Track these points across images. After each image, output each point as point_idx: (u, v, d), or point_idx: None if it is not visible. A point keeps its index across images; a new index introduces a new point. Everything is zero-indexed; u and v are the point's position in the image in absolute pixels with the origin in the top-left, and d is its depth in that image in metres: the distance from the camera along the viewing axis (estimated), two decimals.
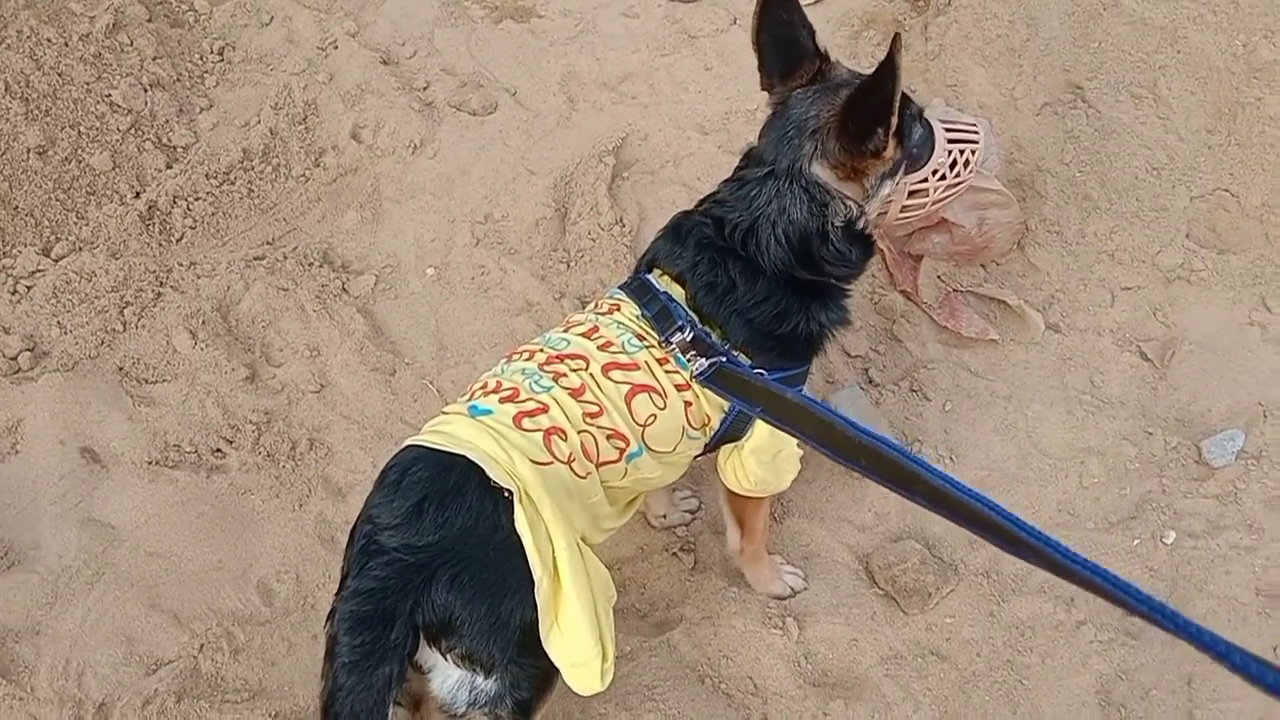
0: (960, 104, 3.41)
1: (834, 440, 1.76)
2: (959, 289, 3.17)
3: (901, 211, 2.38)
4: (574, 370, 2.06)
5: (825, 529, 2.79)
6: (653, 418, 2.09)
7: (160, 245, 3.23)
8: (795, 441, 2.26)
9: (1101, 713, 2.49)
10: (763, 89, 2.32)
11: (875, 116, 2.06)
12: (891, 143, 2.12)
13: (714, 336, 2.15)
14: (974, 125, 2.50)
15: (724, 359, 2.08)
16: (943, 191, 2.38)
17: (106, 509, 2.67)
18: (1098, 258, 3.24)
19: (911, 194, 2.34)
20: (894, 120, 2.05)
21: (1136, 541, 2.76)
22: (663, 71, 3.75)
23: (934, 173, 2.33)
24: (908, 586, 2.63)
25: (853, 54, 3.63)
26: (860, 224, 2.23)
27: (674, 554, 2.76)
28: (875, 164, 2.18)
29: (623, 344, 2.12)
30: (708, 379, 2.07)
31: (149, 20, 3.61)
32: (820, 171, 2.17)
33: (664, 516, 2.79)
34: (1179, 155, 3.27)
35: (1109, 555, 2.73)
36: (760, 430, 2.20)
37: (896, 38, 1.92)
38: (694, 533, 2.81)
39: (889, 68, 1.95)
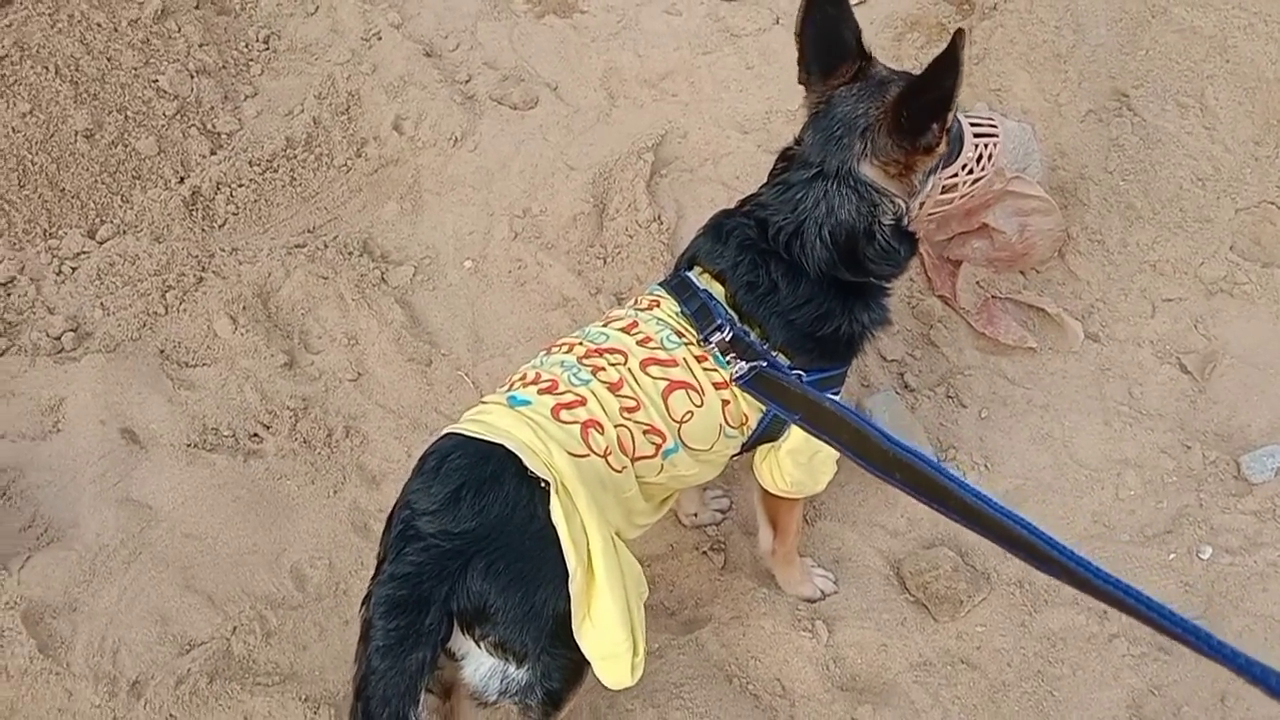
0: (1004, 109, 3.38)
1: (869, 452, 1.76)
2: (998, 295, 3.15)
3: (935, 207, 2.37)
4: (612, 365, 2.06)
5: (857, 533, 2.78)
6: (690, 415, 2.09)
7: (203, 230, 3.26)
8: None
9: None
10: (799, 83, 2.30)
11: (932, 112, 2.05)
12: (944, 138, 2.12)
13: (753, 336, 2.14)
14: (992, 119, 2.50)
15: (765, 363, 2.07)
16: (969, 186, 2.37)
17: (144, 489, 2.70)
18: (1139, 268, 3.21)
19: (944, 190, 2.34)
20: (951, 116, 2.05)
21: (1172, 556, 2.73)
22: (704, 69, 3.74)
23: (964, 167, 2.32)
24: (939, 594, 2.62)
25: (896, 56, 3.61)
26: (906, 220, 2.23)
27: (704, 553, 2.76)
28: (925, 160, 2.17)
29: (661, 340, 2.12)
30: (747, 383, 2.07)
31: (196, 7, 3.65)
32: (870, 171, 2.16)
33: (695, 515, 2.79)
34: (1225, 166, 3.23)
35: (1144, 569, 2.71)
36: (797, 431, 2.19)
37: (960, 33, 1.90)
38: (724, 532, 2.81)
39: (951, 63, 1.93)
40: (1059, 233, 3.15)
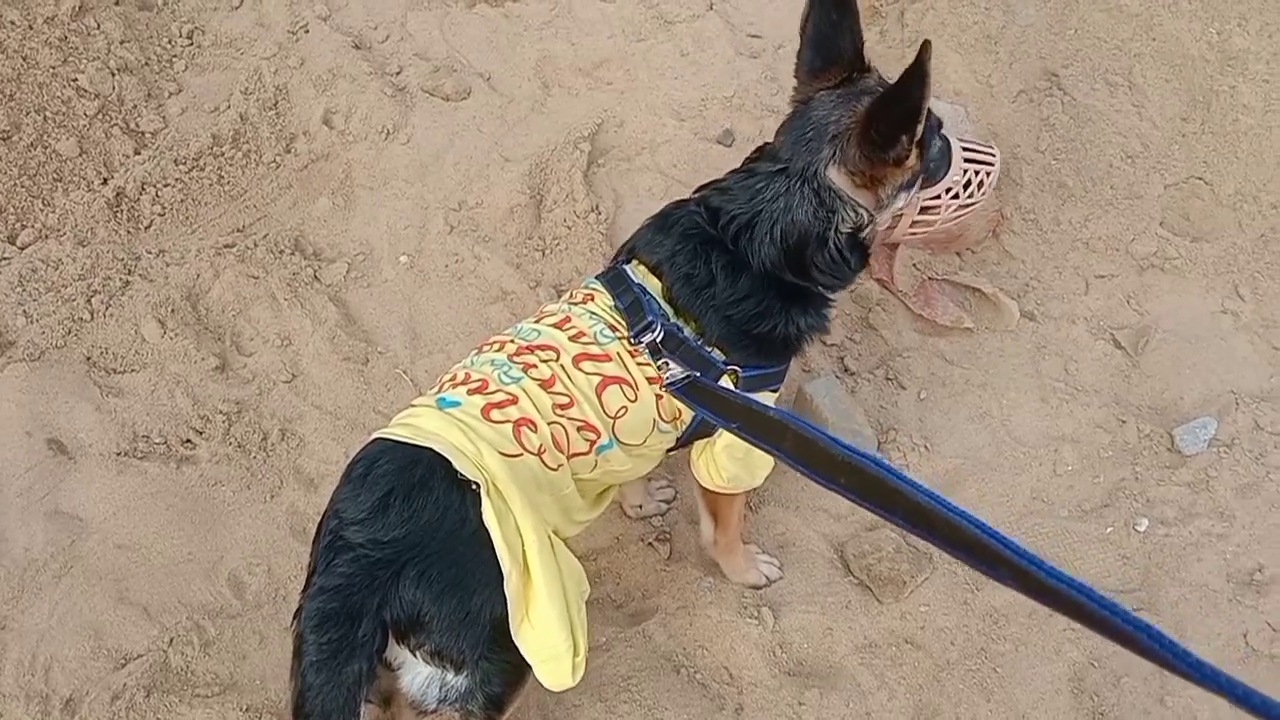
0: (937, 91, 3.39)
1: (814, 458, 1.68)
2: (934, 277, 3.17)
3: (911, 227, 2.36)
4: (544, 361, 2.04)
5: (800, 518, 2.79)
6: (624, 410, 2.07)
7: (128, 233, 3.18)
8: None
9: (1074, 700, 2.50)
10: (795, 75, 2.28)
11: (900, 124, 2.03)
12: (914, 152, 2.11)
13: (688, 331, 2.13)
14: (991, 149, 2.48)
15: (699, 374, 2.06)
16: (955, 211, 2.37)
17: (74, 501, 2.64)
18: (1072, 245, 3.24)
19: (923, 210, 2.33)
20: (919, 129, 2.02)
21: (1110, 529, 2.77)
22: (638, 57, 3.72)
23: (947, 190, 2.32)
24: (882, 575, 2.64)
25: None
26: (866, 233, 2.21)
27: (649, 544, 2.75)
28: (894, 173, 2.15)
29: (595, 335, 2.10)
30: (680, 390, 2.05)
31: (116, 3, 3.55)
32: (836, 177, 2.14)
33: (639, 506, 2.78)
34: (1153, 143, 3.27)
35: (1082, 543, 2.75)
36: None
37: (926, 45, 1.89)
38: (669, 522, 2.80)
39: (918, 75, 1.91)
40: (993, 213, 3.18)
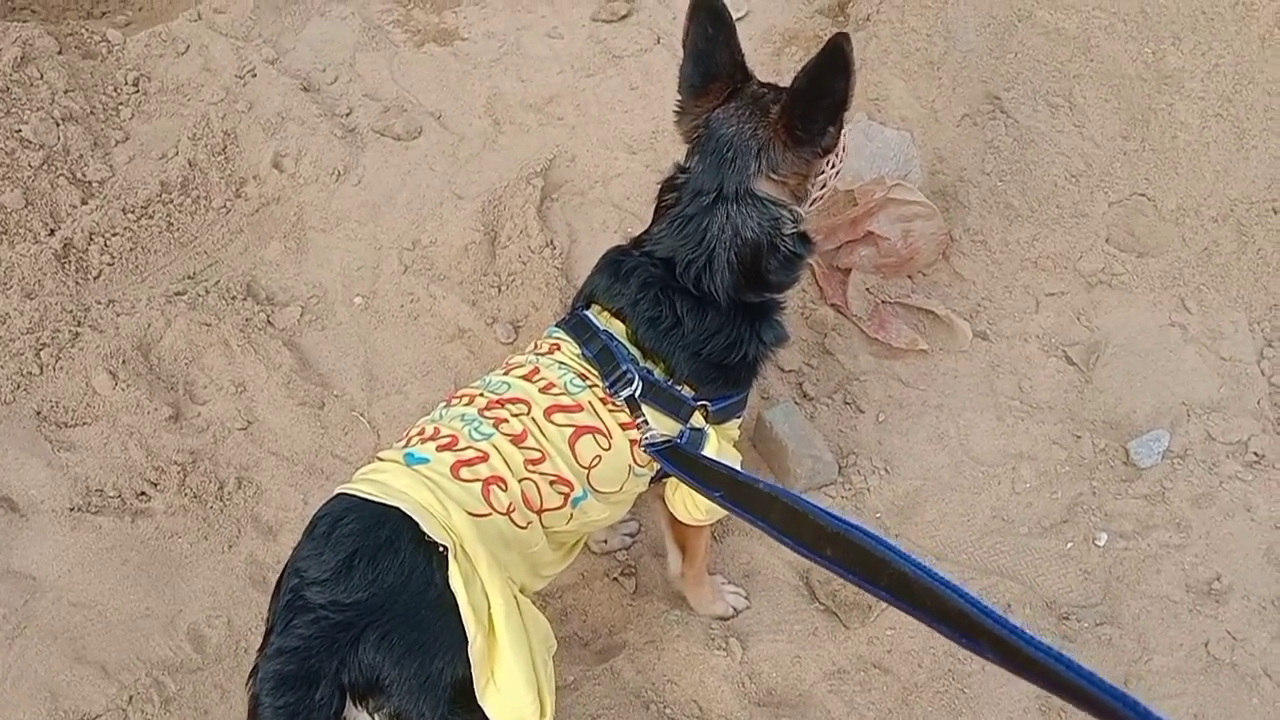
0: (882, 117, 3.45)
1: (801, 530, 1.60)
2: (888, 300, 3.20)
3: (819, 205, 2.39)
4: (515, 415, 2.02)
5: (765, 546, 2.79)
6: (598, 459, 2.06)
7: (77, 284, 3.13)
8: (740, 466, 2.26)
9: (1043, 717, 2.51)
10: (678, 91, 2.28)
11: (827, 116, 2.08)
12: (842, 139, 2.15)
13: (656, 373, 2.14)
14: None
15: (679, 439, 2.08)
16: (835, 179, 2.37)
17: (26, 559, 2.59)
18: (1021, 265, 3.29)
19: (821, 185, 2.36)
20: (845, 116, 2.07)
21: (1070, 545, 2.80)
22: (588, 92, 3.74)
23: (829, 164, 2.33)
24: (848, 600, 2.64)
25: (776, 70, 3.66)
26: (804, 224, 2.25)
27: (615, 579, 2.74)
28: (819, 164, 2.20)
29: (565, 385, 2.08)
30: (660, 454, 2.05)
31: (59, 52, 3.52)
32: (767, 187, 2.17)
33: (604, 541, 2.77)
34: (1096, 162, 3.34)
35: (1043, 560, 2.77)
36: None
37: (846, 36, 1.93)
38: (634, 556, 2.79)
39: (838, 65, 1.96)
40: (942, 235, 3.22)
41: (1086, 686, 1.21)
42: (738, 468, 2.24)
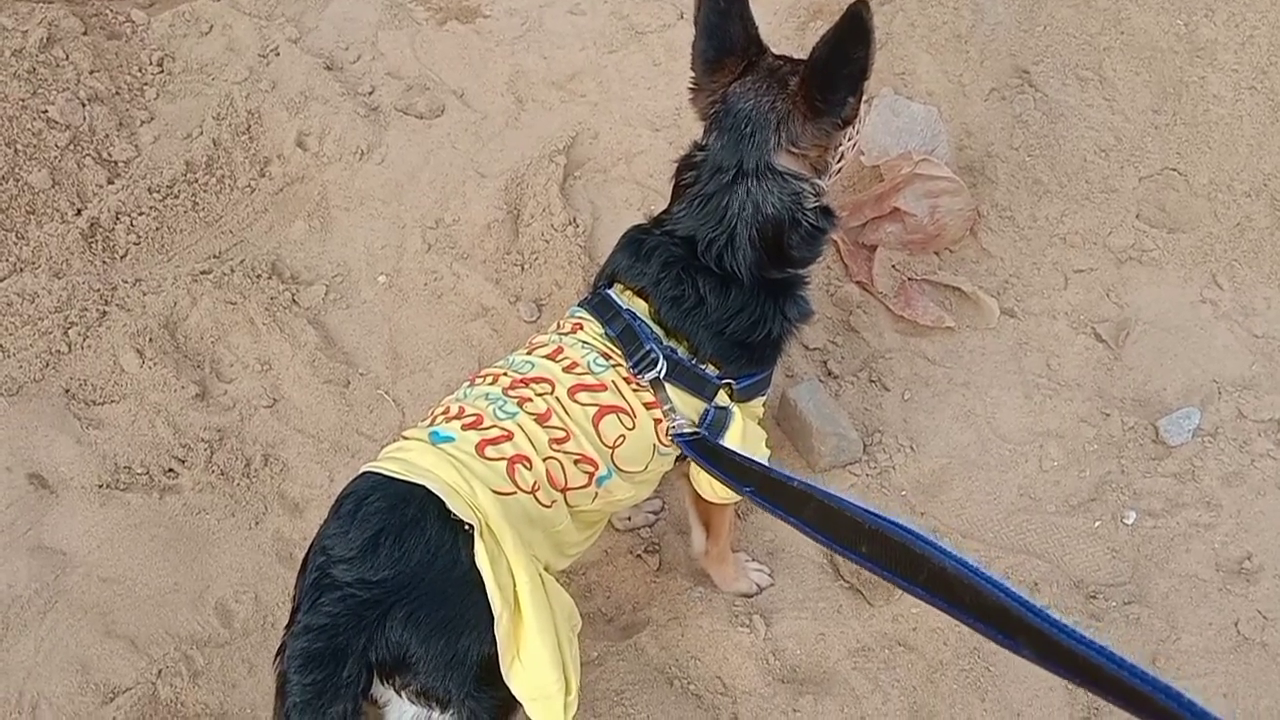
0: (909, 92, 3.41)
1: (836, 527, 1.55)
2: (914, 277, 3.18)
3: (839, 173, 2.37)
4: (539, 394, 2.01)
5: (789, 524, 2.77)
6: (622, 439, 2.05)
7: (104, 263, 3.16)
8: (766, 443, 2.25)
9: (1068, 696, 2.50)
10: (692, 67, 2.25)
11: (847, 86, 2.04)
12: (863, 109, 2.11)
13: (680, 352, 2.13)
14: None
15: (706, 434, 2.06)
16: (851, 150, 2.35)
17: (57, 535, 2.61)
18: (1050, 241, 3.25)
19: (840, 156, 2.33)
20: (865, 86, 2.04)
21: (1098, 523, 2.77)
22: (611, 69, 3.72)
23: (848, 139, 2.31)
24: (872, 578, 2.63)
25: (801, 45, 3.61)
26: (826, 197, 2.22)
27: (638, 556, 2.74)
28: (839, 135, 2.16)
29: (588, 364, 2.07)
30: (687, 445, 2.04)
31: (84, 33, 3.53)
32: (788, 161, 2.14)
33: (628, 519, 2.77)
34: (1126, 136, 3.29)
35: (1071, 538, 2.75)
36: (732, 437, 2.14)
37: (865, 4, 1.88)
38: (658, 533, 2.79)
39: (859, 33, 1.92)
40: (969, 211, 3.19)
41: (1139, 685, 1.14)
42: (766, 455, 2.25)
